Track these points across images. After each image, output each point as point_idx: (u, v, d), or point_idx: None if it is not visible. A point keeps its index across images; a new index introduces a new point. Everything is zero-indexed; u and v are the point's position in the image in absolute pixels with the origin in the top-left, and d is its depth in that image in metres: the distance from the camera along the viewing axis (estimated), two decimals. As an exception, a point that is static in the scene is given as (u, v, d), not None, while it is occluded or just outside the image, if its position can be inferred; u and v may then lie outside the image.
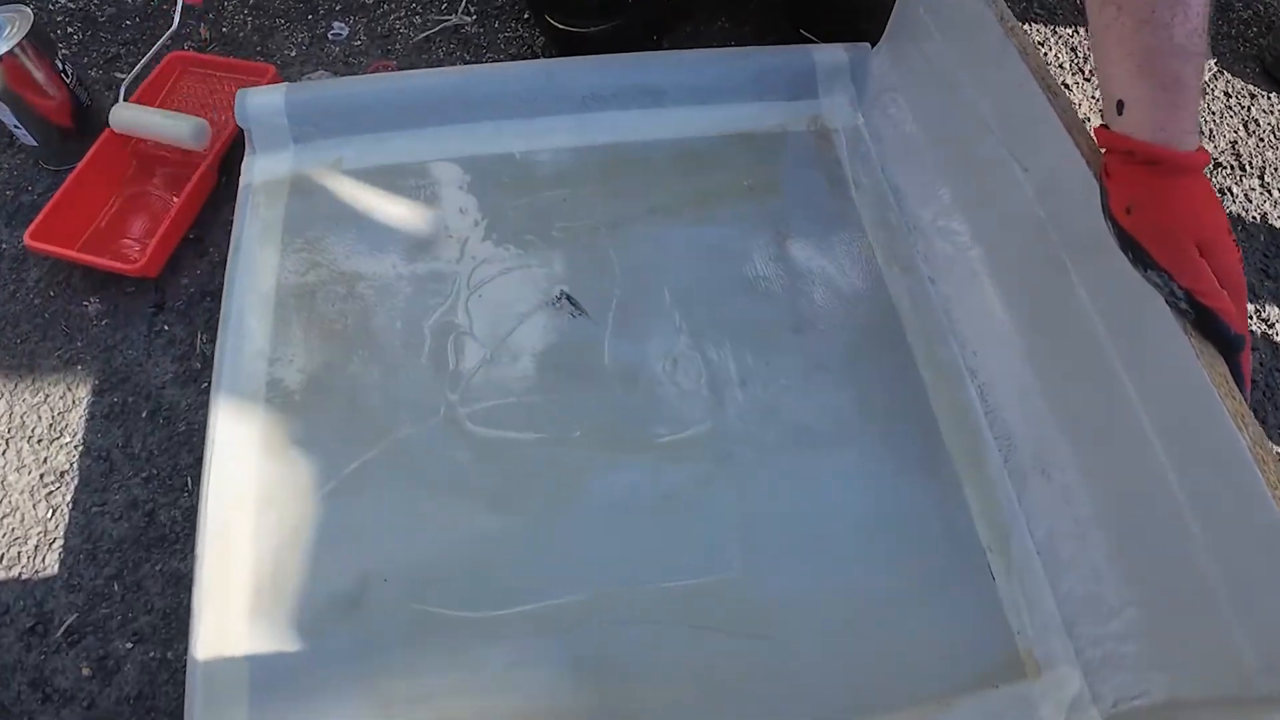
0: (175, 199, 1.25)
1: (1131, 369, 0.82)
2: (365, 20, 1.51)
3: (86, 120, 1.33)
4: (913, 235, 1.11)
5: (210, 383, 0.98)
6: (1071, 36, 1.60)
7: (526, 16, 1.47)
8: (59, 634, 0.99)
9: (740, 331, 1.02)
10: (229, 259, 1.03)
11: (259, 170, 1.10)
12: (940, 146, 1.11)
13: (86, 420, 1.12)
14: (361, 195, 1.09)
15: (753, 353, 1.01)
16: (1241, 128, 1.49)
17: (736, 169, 1.15)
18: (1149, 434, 0.79)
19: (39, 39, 1.18)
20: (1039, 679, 0.83)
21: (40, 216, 1.15)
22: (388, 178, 1.11)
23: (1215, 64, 1.57)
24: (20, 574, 1.02)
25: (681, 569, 0.87)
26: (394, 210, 1.09)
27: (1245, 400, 0.72)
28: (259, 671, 0.80)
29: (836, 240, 1.10)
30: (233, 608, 0.82)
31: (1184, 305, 0.73)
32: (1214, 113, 1.51)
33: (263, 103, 1.11)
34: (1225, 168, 1.44)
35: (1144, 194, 0.74)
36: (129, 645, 1.00)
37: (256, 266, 1.02)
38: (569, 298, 1.04)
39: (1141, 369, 0.80)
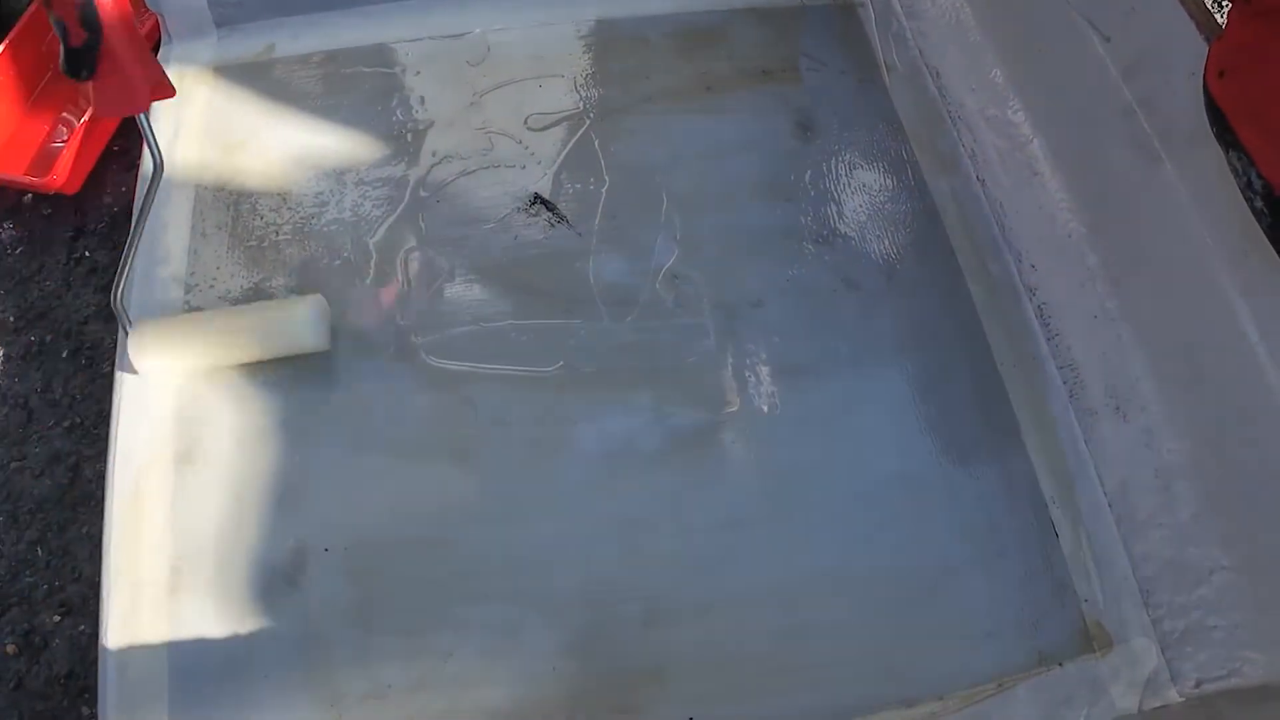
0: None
1: (1247, 286, 0.67)
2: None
3: (-5, 16, 1.19)
4: (957, 127, 0.95)
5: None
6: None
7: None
8: (-22, 607, 0.90)
9: (753, 242, 0.87)
10: (140, 168, 0.87)
11: (175, 62, 0.93)
12: (991, 18, 0.94)
13: (2, 363, 1.00)
14: (296, 87, 0.93)
15: (769, 267, 0.85)
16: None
17: (747, 50, 0.98)
18: (1265, 366, 0.65)
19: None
20: (1109, 654, 0.72)
21: (-61, 129, 1.03)
22: (327, 66, 0.94)
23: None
24: (-72, 541, 0.92)
25: (691, 534, 0.73)
26: (334, 104, 0.92)
27: None
28: (180, 661, 0.67)
29: (866, 134, 0.94)
30: (148, 586, 0.70)
31: (1259, 203, 0.59)
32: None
33: (177, -22, 0.93)
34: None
35: (1244, 56, 0.60)
36: (57, 618, 0.90)
37: (171, 175, 0.86)
38: (545, 202, 0.87)
39: (1260, 286, 0.66)
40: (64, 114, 1.13)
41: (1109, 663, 0.72)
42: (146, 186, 0.72)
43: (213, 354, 0.75)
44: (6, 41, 1.11)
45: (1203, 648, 0.71)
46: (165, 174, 0.85)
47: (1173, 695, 0.71)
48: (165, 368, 0.75)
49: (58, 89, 1.15)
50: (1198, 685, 0.71)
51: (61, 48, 0.61)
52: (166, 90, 0.67)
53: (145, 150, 0.70)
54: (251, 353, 0.76)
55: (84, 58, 0.61)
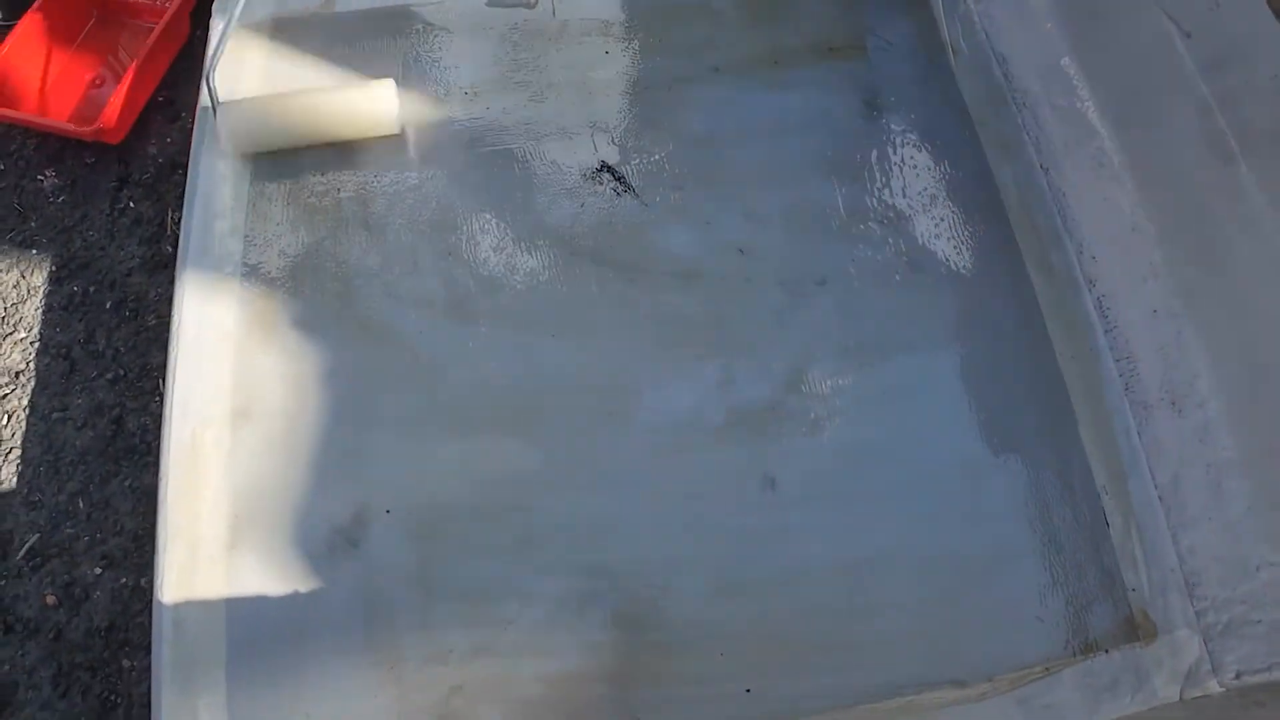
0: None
1: None
2: None
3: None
4: (1022, 113, 0.93)
5: (179, 269, 0.82)
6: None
7: None
8: (19, 557, 0.90)
9: (818, 220, 0.86)
10: (196, 120, 0.85)
11: (234, 11, 0.90)
12: (1063, 6, 0.92)
13: (43, 312, 0.99)
14: (356, 42, 0.91)
15: (833, 246, 0.85)
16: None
17: (815, 24, 0.96)
18: None
19: None
20: (1153, 643, 0.73)
21: (-17, 75, 1.01)
22: (389, 21, 0.92)
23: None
24: (-29, 489, 0.92)
25: (752, 509, 0.73)
26: (396, 60, 0.90)
27: None
28: (238, 618, 0.68)
29: (932, 116, 0.92)
30: (205, 543, 0.69)
31: None
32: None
33: (235, -74, 0.90)
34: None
35: None
36: (98, 571, 0.90)
37: (229, 128, 0.84)
38: (611, 170, 0.86)
39: None
40: (109, 60, 1.11)
41: (1153, 652, 0.72)
42: None
43: (296, 133, 0.82)
44: (49, -15, 1.09)
45: (1245, 641, 0.71)
46: (225, 126, 0.84)
47: (1213, 686, 0.71)
48: (249, 145, 0.82)
49: (102, 35, 1.12)
50: (1238, 677, 0.71)
51: None
52: None
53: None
54: (331, 131, 0.83)
55: None
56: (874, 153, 0.89)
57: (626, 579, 0.70)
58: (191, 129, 0.87)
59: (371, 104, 0.82)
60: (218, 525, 0.70)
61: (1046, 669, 0.71)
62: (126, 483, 0.94)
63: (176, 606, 0.67)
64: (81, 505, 0.93)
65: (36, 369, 0.98)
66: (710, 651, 0.68)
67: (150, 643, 0.70)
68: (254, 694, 0.65)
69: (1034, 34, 0.94)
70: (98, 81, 1.10)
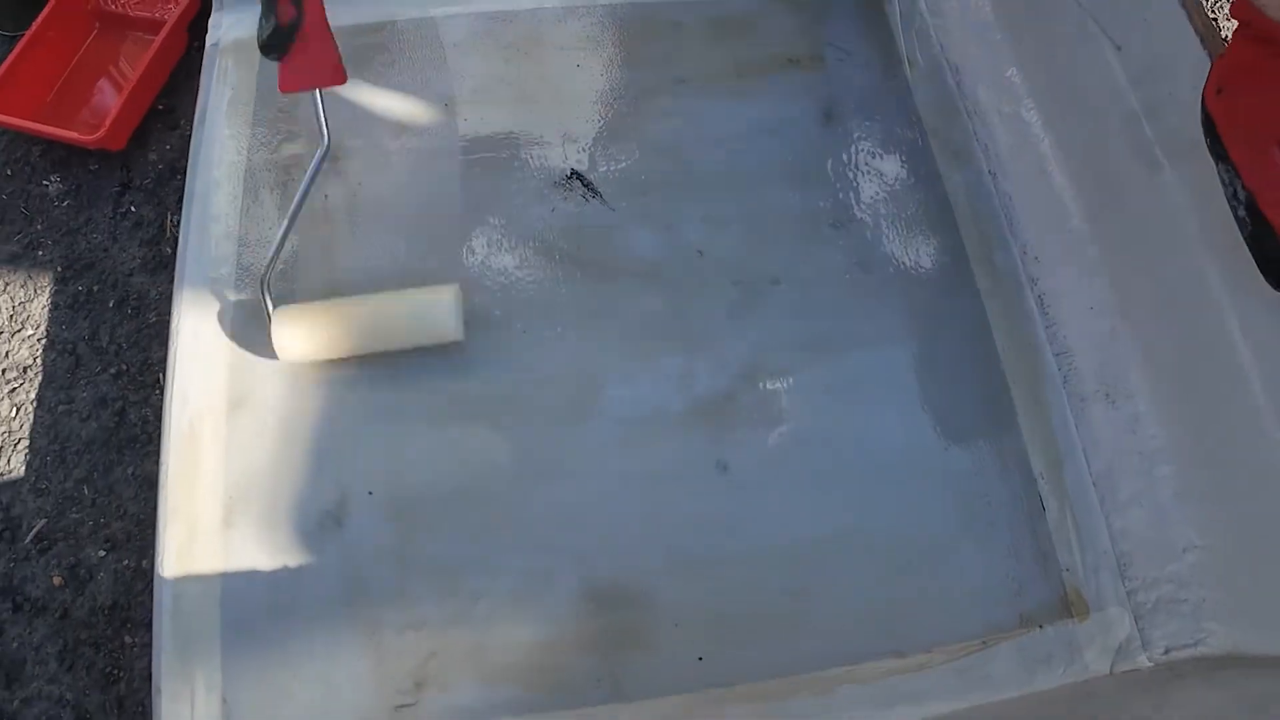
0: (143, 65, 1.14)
1: (1233, 288, 0.71)
2: None
3: (43, -27, 1.21)
4: (973, 122, 0.99)
5: (178, 269, 0.87)
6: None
7: None
8: (28, 540, 0.95)
9: (775, 223, 0.91)
10: (194, 130, 0.91)
11: (228, 28, 0.96)
12: (1010, 20, 0.97)
13: (49, 311, 1.04)
14: (345, 56, 0.94)
15: (788, 247, 0.90)
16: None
17: (777, 38, 1.01)
18: (1245, 364, 0.70)
19: None
20: (1086, 620, 0.78)
21: (-9, 85, 1.06)
22: (374, 36, 0.98)
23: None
24: (-17, 477, 0.96)
25: (707, 495, 0.79)
26: (381, 74, 0.96)
27: None
28: (231, 591, 0.73)
29: (886, 124, 0.98)
30: (202, 522, 0.75)
31: (1242, 212, 0.62)
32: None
33: (229, -54, 0.96)
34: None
35: (1240, 75, 0.63)
36: (101, 553, 0.95)
37: (224, 138, 0.90)
38: (580, 178, 0.91)
39: (1245, 289, 0.70)
40: (110, 71, 1.16)
41: (1085, 628, 0.77)
42: (314, 164, 0.73)
43: (353, 344, 0.79)
44: (53, 1, 1.14)
45: (1172, 619, 0.76)
46: (218, 139, 0.90)
47: (1143, 661, 0.76)
48: (303, 354, 0.78)
49: (103, 47, 1.17)
50: (1166, 652, 0.76)
51: (265, 25, 0.65)
52: (341, 74, 0.70)
53: (319, 126, 0.71)
54: (391, 343, 0.80)
55: (287, 34, 0.65)
56: (829, 160, 0.94)
57: (589, 557, 0.76)
58: (190, 136, 0.92)
59: (433, 312, 0.78)
60: (214, 506, 0.75)
61: (984, 642, 0.76)
62: (129, 470, 0.99)
63: (175, 581, 0.73)
64: (86, 492, 0.98)
65: (43, 364, 1.03)
66: (666, 623, 0.74)
67: (150, 620, 0.75)
68: (245, 660, 0.71)
69: (985, 46, 0.99)
70: (100, 91, 1.15)
